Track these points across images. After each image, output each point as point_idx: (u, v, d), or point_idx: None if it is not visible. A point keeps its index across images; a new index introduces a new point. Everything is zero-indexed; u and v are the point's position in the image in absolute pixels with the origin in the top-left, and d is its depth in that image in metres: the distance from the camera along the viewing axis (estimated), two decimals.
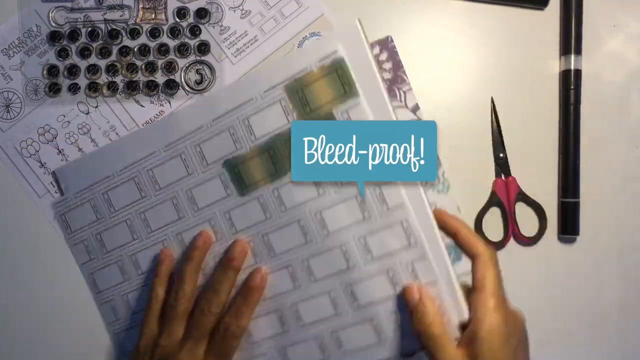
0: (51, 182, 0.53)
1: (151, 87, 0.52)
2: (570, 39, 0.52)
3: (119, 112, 0.53)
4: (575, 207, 0.51)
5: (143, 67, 0.52)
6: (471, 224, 0.52)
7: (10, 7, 0.53)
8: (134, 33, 0.52)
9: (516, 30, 0.53)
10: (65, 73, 0.53)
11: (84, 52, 0.52)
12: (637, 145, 0.53)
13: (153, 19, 0.52)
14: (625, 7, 0.53)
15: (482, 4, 0.53)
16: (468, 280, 0.43)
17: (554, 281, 0.52)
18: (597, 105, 0.53)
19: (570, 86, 0.52)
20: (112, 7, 0.52)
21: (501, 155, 0.52)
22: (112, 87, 0.52)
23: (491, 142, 0.52)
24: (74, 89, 0.53)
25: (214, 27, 0.53)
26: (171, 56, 0.52)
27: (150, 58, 0.52)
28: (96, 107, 0.53)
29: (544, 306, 0.52)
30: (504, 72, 0.53)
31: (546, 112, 0.53)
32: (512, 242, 0.52)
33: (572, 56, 0.52)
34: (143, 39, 0.52)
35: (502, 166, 0.52)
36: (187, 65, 0.52)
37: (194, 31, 0.52)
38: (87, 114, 0.53)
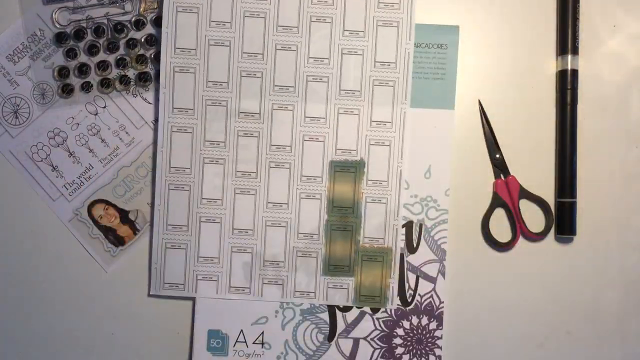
0: (64, 185, 0.53)
1: None
2: (567, 39, 0.52)
3: (127, 110, 0.53)
4: (572, 207, 0.52)
5: (152, 56, 0.53)
6: (477, 228, 0.53)
7: (12, 13, 0.53)
8: (138, 24, 0.53)
9: (513, 31, 0.53)
10: (76, 72, 0.53)
11: (92, 50, 0.53)
12: (636, 145, 0.53)
13: (156, 8, 0.53)
14: (625, 7, 0.53)
15: (479, 3, 0.54)
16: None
17: (552, 281, 0.53)
18: (596, 105, 0.53)
19: (566, 86, 0.52)
20: (113, 2, 0.53)
21: (497, 155, 0.52)
22: (124, 80, 0.53)
23: (485, 144, 0.53)
24: (86, 87, 0.53)
25: None
26: None
27: (159, 47, 0.52)
28: (104, 107, 0.53)
29: (542, 306, 0.53)
30: (501, 72, 0.53)
31: (543, 112, 0.53)
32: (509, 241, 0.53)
33: (569, 56, 0.52)
34: (149, 28, 0.53)
35: (499, 166, 0.53)
36: None
37: None
38: (96, 114, 0.53)
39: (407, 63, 0.51)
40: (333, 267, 0.52)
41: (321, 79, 0.51)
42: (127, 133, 0.53)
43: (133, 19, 0.52)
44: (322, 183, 0.52)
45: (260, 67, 0.51)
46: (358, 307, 0.52)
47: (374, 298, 0.52)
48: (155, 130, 0.52)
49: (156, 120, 0.53)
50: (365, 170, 0.52)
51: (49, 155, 0.53)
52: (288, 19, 0.51)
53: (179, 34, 0.51)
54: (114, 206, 0.53)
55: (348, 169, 0.52)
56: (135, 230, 0.53)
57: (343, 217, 0.52)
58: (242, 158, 0.52)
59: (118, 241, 0.53)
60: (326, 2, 0.51)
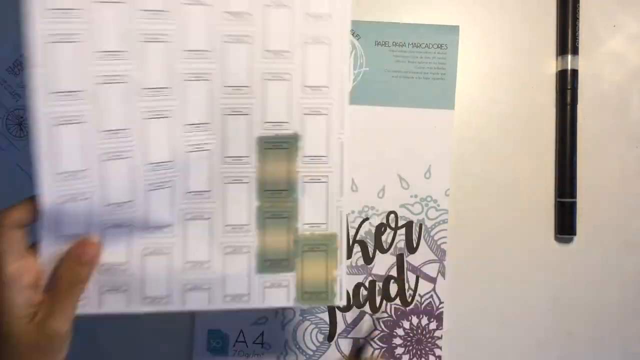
0: None
1: None
2: (567, 39, 0.52)
3: None
4: (572, 207, 0.52)
5: None
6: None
7: (10, 25, 0.51)
8: None
9: (513, 31, 0.53)
10: None
11: None
12: (636, 145, 0.53)
13: None
14: (625, 7, 0.54)
15: (479, 3, 0.53)
16: None
17: (552, 281, 0.53)
18: (596, 105, 0.53)
19: (566, 86, 0.52)
20: None
21: None
22: None
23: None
24: None
25: None
26: None
27: None
28: None
29: (542, 306, 0.53)
30: (501, 72, 0.53)
31: (543, 112, 0.53)
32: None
33: (569, 56, 0.52)
34: None
35: None
36: None
37: None
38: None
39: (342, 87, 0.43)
40: (269, 262, 0.44)
41: (243, 41, 0.42)
42: None
43: None
44: (250, 164, 0.43)
45: (165, 29, 0.41)
46: (302, 307, 0.47)
47: (320, 295, 0.44)
48: None
49: None
50: (301, 145, 0.43)
51: None
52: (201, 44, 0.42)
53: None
54: None
55: (280, 145, 0.43)
56: None
57: (277, 202, 0.43)
58: (155, 147, 0.41)
59: None
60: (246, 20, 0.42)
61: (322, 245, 0.44)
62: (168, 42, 0.41)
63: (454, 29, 0.52)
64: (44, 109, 0.38)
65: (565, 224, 0.52)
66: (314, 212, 0.44)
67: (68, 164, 0.40)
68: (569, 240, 0.53)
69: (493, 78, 0.53)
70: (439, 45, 0.52)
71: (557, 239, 0.53)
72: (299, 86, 0.43)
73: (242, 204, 0.43)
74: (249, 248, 0.44)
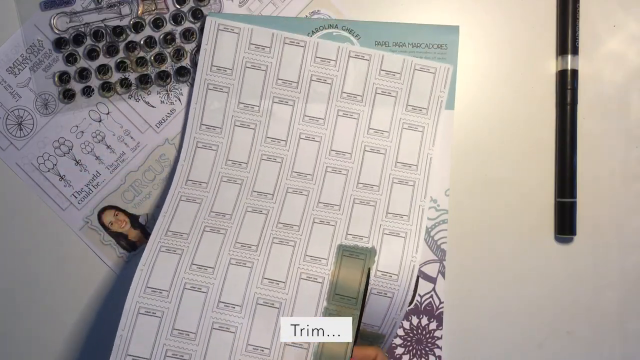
0: (73, 194, 0.54)
1: (163, 77, 0.53)
2: (567, 39, 0.52)
3: (131, 115, 0.54)
4: (572, 207, 0.52)
5: (152, 58, 0.53)
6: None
7: (9, 26, 0.53)
8: (137, 26, 0.53)
9: (514, 31, 0.53)
10: (77, 77, 0.53)
11: (91, 54, 0.53)
12: (636, 145, 0.53)
13: (154, 10, 0.53)
14: (625, 7, 0.53)
15: (479, 3, 0.53)
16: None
17: (552, 281, 0.52)
18: (596, 105, 0.53)
19: (566, 86, 0.52)
20: (111, 5, 0.53)
21: None
22: (124, 83, 0.53)
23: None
24: (87, 92, 0.53)
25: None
26: (178, 43, 0.53)
27: (158, 49, 0.53)
28: (108, 113, 0.54)
29: (542, 306, 0.52)
30: (501, 72, 0.53)
31: (543, 112, 0.53)
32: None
33: (569, 56, 0.52)
34: (147, 31, 0.53)
35: None
36: (195, 49, 0.53)
37: (196, 15, 0.53)
38: (100, 121, 0.54)
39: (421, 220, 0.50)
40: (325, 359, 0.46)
41: (340, 172, 0.51)
42: (132, 138, 0.54)
43: (132, 22, 0.52)
44: (327, 267, 0.47)
45: (281, 153, 0.51)
46: None
47: None
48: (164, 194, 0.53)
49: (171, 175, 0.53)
50: (376, 259, 0.47)
51: (55, 165, 0.54)
52: (305, 168, 0.51)
53: (206, 111, 0.51)
54: (124, 212, 0.53)
55: (357, 255, 0.47)
56: (146, 234, 0.53)
57: (344, 307, 0.46)
58: (245, 232, 0.48)
59: (130, 246, 0.53)
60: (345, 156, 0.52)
61: (371, 337, 0.48)
62: (281, 163, 0.51)
63: (454, 29, 0.52)
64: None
65: (565, 224, 0.52)
66: (372, 316, 0.47)
67: (178, 228, 0.48)
68: (569, 240, 0.53)
69: (493, 78, 0.53)
70: (439, 45, 0.52)
71: (556, 239, 0.53)
72: (382, 212, 0.49)
73: (312, 302, 0.46)
74: (309, 345, 0.45)
